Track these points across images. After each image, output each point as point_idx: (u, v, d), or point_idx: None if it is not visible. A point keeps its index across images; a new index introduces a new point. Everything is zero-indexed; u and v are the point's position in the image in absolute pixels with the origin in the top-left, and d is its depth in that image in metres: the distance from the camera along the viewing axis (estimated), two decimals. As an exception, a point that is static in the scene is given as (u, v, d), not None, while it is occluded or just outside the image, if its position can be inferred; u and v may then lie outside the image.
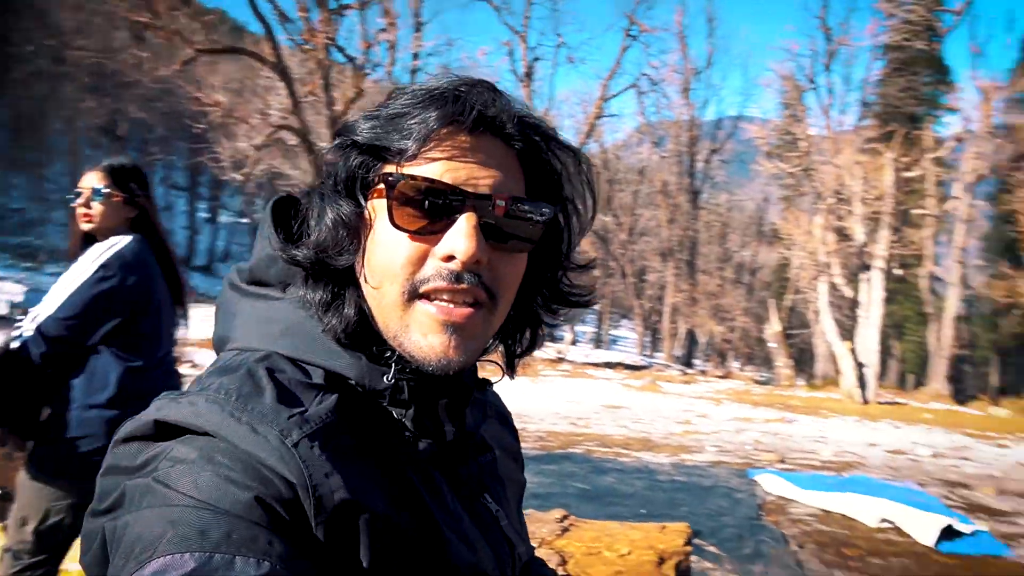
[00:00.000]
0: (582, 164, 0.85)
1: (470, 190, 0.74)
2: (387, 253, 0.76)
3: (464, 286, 0.74)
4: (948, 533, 5.18)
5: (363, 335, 0.78)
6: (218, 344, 0.85)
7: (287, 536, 0.62)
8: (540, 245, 0.82)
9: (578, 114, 34.82)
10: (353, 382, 0.76)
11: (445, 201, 0.74)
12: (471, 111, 0.75)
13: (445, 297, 0.75)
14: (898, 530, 5.30)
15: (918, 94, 28.03)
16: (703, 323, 34.73)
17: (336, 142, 0.80)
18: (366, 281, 0.78)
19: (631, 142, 42.36)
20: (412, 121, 0.74)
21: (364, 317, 0.78)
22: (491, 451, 0.95)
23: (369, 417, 0.77)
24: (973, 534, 5.33)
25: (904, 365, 31.88)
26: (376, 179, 0.77)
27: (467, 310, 0.75)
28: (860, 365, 18.25)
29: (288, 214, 0.86)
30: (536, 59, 29.61)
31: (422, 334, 0.75)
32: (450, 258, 0.74)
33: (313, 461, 0.66)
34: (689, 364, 33.88)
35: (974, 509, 6.24)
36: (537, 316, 0.91)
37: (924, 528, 5.19)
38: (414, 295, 0.75)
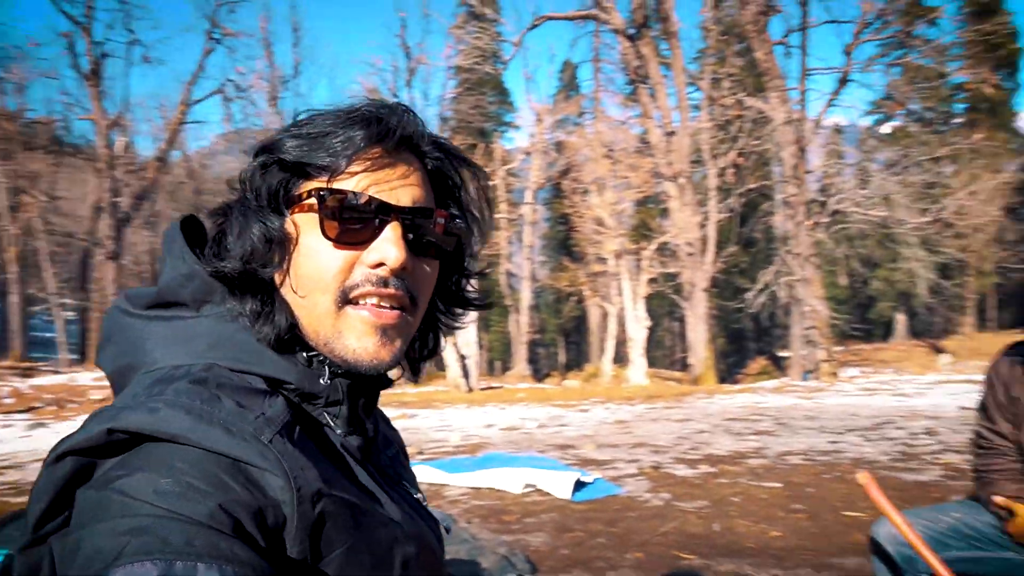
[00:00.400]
0: (479, 178, 0.95)
1: (394, 203, 0.82)
2: (316, 263, 0.80)
3: (391, 291, 0.81)
4: (576, 485, 6.09)
5: (290, 341, 0.81)
6: (122, 373, 0.82)
7: (250, 541, 0.63)
8: (446, 253, 0.91)
9: (156, 118, 32.05)
10: (293, 386, 0.80)
11: (373, 213, 0.81)
12: (394, 132, 0.82)
13: (373, 302, 0.81)
14: (539, 491, 6.07)
15: (486, 112, 31.60)
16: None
17: (260, 160, 0.83)
18: (293, 291, 0.81)
19: (217, 149, 40.27)
20: (337, 140, 0.80)
21: (292, 324, 0.82)
22: (393, 446, 1.04)
23: (306, 418, 0.81)
24: (593, 482, 6.33)
25: (491, 353, 35.68)
26: (304, 194, 0.81)
27: (395, 312, 0.82)
28: (463, 357, 20.00)
29: (192, 235, 0.87)
30: (104, 55, 26.49)
31: (356, 337, 0.80)
32: (379, 265, 0.80)
33: (288, 456, 0.69)
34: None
35: (586, 463, 7.37)
36: (438, 320, 0.99)
37: (559, 485, 6.03)
38: (344, 301, 0.80)
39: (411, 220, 0.83)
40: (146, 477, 0.63)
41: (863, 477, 2.17)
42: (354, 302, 0.80)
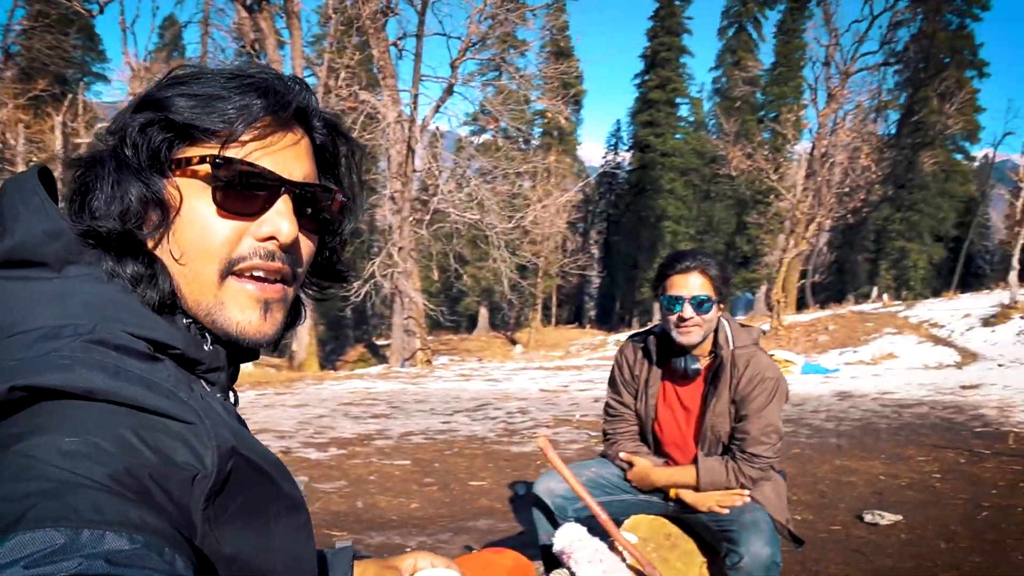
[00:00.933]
0: (356, 155, 0.95)
1: (286, 175, 0.81)
2: (202, 232, 0.78)
3: (278, 264, 0.81)
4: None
5: (170, 307, 0.79)
6: None
7: (159, 507, 0.59)
8: (327, 228, 0.92)
9: None
10: (178, 351, 0.77)
11: (269, 185, 0.80)
12: (290, 105, 0.82)
13: (259, 274, 0.80)
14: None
15: (68, 56, 27.51)
16: None
17: (146, 116, 0.78)
18: (173, 258, 0.79)
19: None
20: (231, 106, 0.78)
21: (172, 290, 0.80)
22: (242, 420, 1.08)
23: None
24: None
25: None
26: (194, 159, 0.78)
27: (279, 287, 0.83)
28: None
29: (47, 187, 0.79)
30: None
31: (239, 310, 0.80)
32: (269, 238, 0.80)
33: (206, 413, 0.69)
34: None
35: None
36: (302, 293, 1.00)
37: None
38: (228, 272, 0.79)
39: (311, 195, 0.84)
40: (49, 437, 0.57)
41: (542, 441, 2.60)
42: (237, 274, 0.79)
